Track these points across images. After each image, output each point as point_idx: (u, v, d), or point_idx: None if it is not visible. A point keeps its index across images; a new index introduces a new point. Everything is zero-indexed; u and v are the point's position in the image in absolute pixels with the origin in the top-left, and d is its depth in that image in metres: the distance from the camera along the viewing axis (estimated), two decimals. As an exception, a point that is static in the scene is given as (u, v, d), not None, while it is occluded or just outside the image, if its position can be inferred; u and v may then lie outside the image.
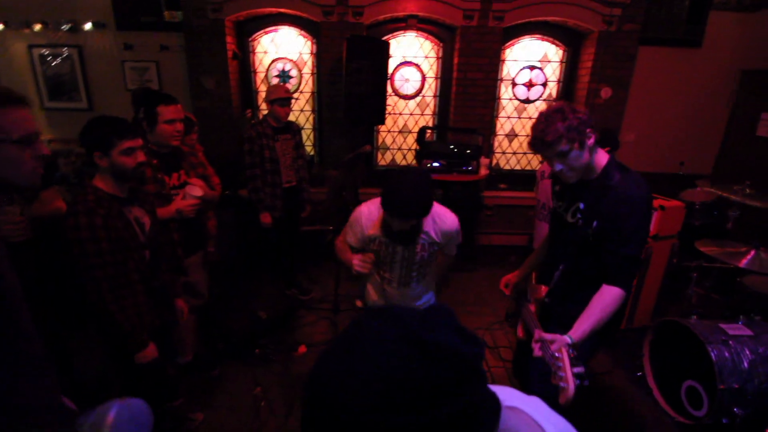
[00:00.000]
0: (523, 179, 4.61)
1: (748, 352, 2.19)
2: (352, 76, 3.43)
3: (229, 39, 4.04)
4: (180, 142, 2.26)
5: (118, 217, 1.65)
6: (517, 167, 4.69)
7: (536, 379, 1.78)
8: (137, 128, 1.71)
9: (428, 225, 1.79)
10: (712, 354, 2.17)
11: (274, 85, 3.18)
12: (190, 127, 2.81)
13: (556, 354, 1.35)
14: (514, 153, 4.64)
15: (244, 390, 2.55)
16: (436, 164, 3.70)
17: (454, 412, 0.46)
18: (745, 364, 2.17)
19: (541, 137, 1.48)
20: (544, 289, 1.78)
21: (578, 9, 3.89)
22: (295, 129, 3.26)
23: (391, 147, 4.61)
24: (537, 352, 1.47)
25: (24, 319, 1.02)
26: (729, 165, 4.21)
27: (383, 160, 4.64)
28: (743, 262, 2.28)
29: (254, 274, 3.88)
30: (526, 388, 1.89)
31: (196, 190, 2.23)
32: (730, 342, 2.21)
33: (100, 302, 1.62)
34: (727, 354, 2.18)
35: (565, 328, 1.50)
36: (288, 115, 3.11)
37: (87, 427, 0.49)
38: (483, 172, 3.75)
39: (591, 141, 1.50)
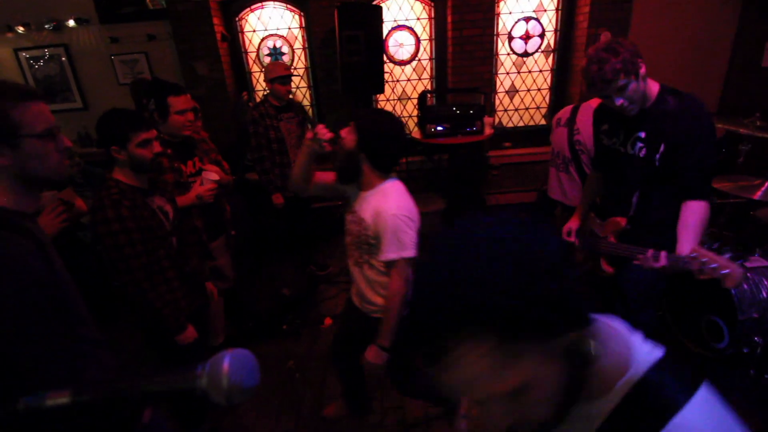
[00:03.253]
0: (527, 135, 4.58)
1: (766, 282, 2.24)
2: (346, 45, 3.35)
3: (215, 20, 3.94)
4: (191, 132, 2.26)
5: (142, 207, 1.68)
6: (520, 124, 4.64)
7: (620, 309, 1.99)
8: (149, 119, 1.70)
9: (373, 197, 1.60)
10: (732, 288, 2.21)
11: (273, 63, 3.14)
12: (195, 113, 2.79)
13: (693, 254, 1.37)
14: (516, 109, 4.58)
15: (278, 365, 2.64)
16: (440, 128, 3.67)
17: (547, 293, 0.50)
18: (764, 294, 2.22)
19: (601, 76, 1.52)
20: (621, 219, 1.87)
21: (571, -49, 3.76)
22: (297, 106, 3.23)
23: (391, 116, 4.56)
24: (663, 261, 1.51)
25: (80, 305, 1.06)
26: (735, 99, 4.15)
27: (385, 130, 4.60)
28: (757, 195, 2.29)
29: (272, 255, 3.93)
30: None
31: (212, 175, 2.26)
32: (748, 274, 2.25)
33: (138, 291, 1.67)
34: (746, 286, 2.23)
35: (654, 247, 1.57)
36: (289, 93, 3.08)
37: (205, 377, 0.53)
38: (487, 131, 3.73)
39: (643, 70, 1.55)
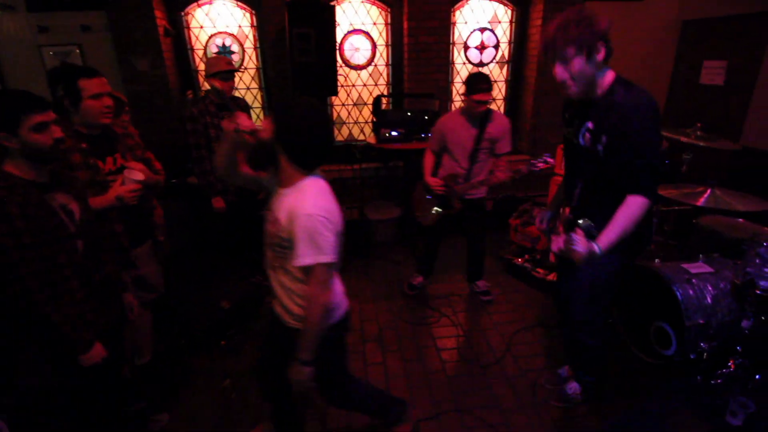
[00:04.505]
0: (482, 145, 4.59)
1: (710, 288, 2.27)
2: (297, 45, 3.21)
3: (158, 14, 3.68)
4: (110, 120, 2.02)
5: (38, 205, 1.44)
6: (476, 133, 4.64)
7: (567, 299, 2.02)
8: (49, 103, 1.47)
9: (290, 195, 1.43)
10: (678, 293, 2.22)
11: (214, 57, 2.94)
12: (121, 107, 2.54)
13: (573, 235, 1.46)
14: (472, 119, 4.58)
15: (214, 384, 2.40)
16: (394, 133, 3.59)
17: None
18: (709, 300, 2.24)
19: (552, 40, 1.47)
20: (567, 210, 1.84)
21: (524, -35, 3.82)
22: (242, 105, 3.03)
23: (347, 121, 4.45)
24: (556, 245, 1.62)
25: None
26: (675, 115, 4.35)
27: (340, 135, 4.48)
28: (700, 201, 2.33)
29: (215, 264, 3.66)
30: (563, 311, 2.08)
31: (136, 174, 2.01)
32: (693, 280, 2.27)
33: (31, 304, 1.42)
34: (691, 292, 2.25)
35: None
36: (232, 89, 2.89)
37: None
38: (443, 137, 3.67)
39: (600, 56, 1.49)
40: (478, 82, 2.55)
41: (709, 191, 2.37)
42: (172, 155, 3.40)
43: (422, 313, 3.05)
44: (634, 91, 1.54)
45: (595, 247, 1.51)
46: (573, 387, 2.27)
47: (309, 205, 1.36)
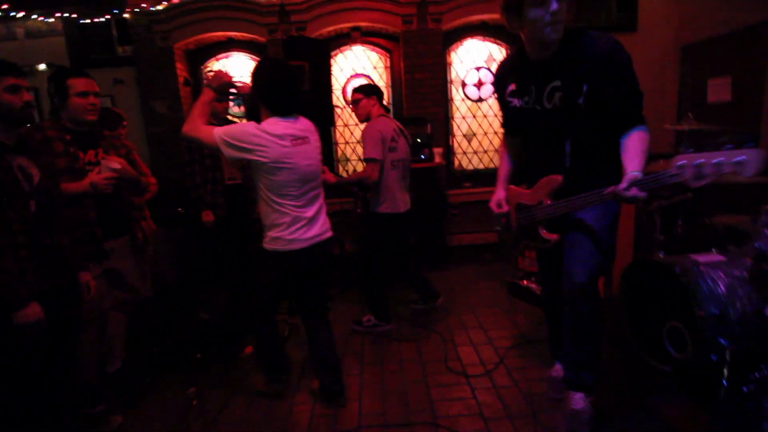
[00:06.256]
0: (486, 177, 4.54)
1: (722, 275, 1.99)
2: (295, 78, 3.45)
3: (179, 66, 4.14)
4: (95, 117, 2.17)
5: (-5, 161, 1.53)
6: (480, 166, 4.63)
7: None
8: (25, 72, 1.63)
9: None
10: (683, 280, 1.96)
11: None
12: (119, 121, 2.76)
13: (680, 162, 1.26)
14: (475, 152, 4.60)
15: (178, 393, 2.25)
16: (388, 157, 3.63)
17: None
18: (722, 288, 1.95)
19: None
20: (554, 177, 1.69)
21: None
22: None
23: (351, 159, 4.58)
24: (637, 192, 1.35)
25: None
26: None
27: (344, 172, 4.59)
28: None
29: (211, 288, 3.61)
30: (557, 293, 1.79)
31: (113, 163, 2.10)
32: (701, 268, 2.01)
33: None
34: (699, 280, 1.97)
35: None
36: (227, 111, 3.09)
37: None
38: (437, 159, 3.68)
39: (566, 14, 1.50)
40: None
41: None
42: (184, 189, 3.55)
43: (412, 331, 2.82)
44: (597, 36, 1.55)
45: (635, 175, 1.37)
46: (578, 400, 1.90)
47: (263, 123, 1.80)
